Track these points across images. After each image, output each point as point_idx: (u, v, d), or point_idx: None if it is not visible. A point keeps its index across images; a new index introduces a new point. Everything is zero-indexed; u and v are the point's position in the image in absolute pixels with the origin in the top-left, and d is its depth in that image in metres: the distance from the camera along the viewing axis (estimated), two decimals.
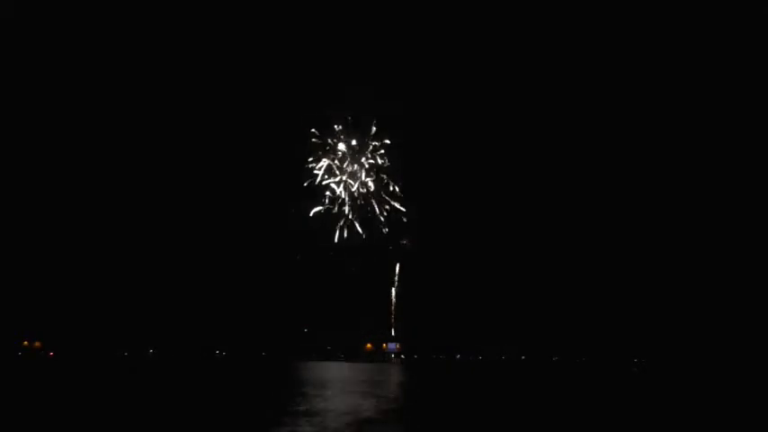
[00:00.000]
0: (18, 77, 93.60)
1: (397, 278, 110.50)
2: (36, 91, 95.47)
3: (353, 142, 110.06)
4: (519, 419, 16.68)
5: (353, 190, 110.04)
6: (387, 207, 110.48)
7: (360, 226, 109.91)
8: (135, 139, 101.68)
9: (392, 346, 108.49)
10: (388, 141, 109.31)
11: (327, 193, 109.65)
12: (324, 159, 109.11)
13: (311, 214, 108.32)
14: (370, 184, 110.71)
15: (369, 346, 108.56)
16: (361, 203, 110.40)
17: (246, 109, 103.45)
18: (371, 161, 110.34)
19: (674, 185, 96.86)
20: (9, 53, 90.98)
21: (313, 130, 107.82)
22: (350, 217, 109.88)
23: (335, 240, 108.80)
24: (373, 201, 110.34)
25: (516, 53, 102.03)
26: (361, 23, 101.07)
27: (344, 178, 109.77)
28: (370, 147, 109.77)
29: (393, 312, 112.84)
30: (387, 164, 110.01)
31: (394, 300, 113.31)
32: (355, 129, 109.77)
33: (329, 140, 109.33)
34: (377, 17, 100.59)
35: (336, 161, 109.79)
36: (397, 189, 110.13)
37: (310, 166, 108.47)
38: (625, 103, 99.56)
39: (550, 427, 15.17)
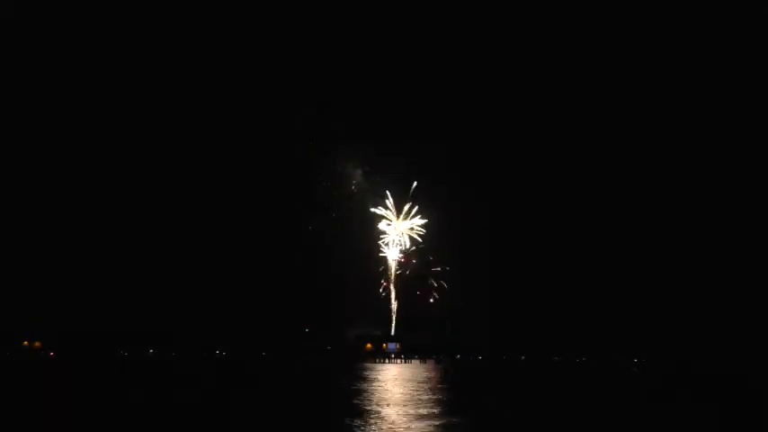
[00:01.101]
0: (18, 77, 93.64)
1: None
2: (36, 90, 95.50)
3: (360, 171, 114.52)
4: (520, 419, 16.67)
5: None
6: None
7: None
8: (135, 140, 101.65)
9: (392, 346, 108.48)
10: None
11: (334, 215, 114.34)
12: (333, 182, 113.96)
13: (310, 228, 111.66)
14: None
15: (369, 345, 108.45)
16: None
17: (250, 115, 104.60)
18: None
19: (675, 186, 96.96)
20: (9, 53, 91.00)
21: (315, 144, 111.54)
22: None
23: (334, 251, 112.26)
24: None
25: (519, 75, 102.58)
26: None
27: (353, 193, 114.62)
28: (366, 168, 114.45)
29: (393, 312, 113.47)
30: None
31: (394, 300, 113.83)
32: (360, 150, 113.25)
33: (340, 167, 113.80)
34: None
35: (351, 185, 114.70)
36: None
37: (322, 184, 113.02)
38: (622, 104, 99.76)
39: (552, 427, 15.16)
